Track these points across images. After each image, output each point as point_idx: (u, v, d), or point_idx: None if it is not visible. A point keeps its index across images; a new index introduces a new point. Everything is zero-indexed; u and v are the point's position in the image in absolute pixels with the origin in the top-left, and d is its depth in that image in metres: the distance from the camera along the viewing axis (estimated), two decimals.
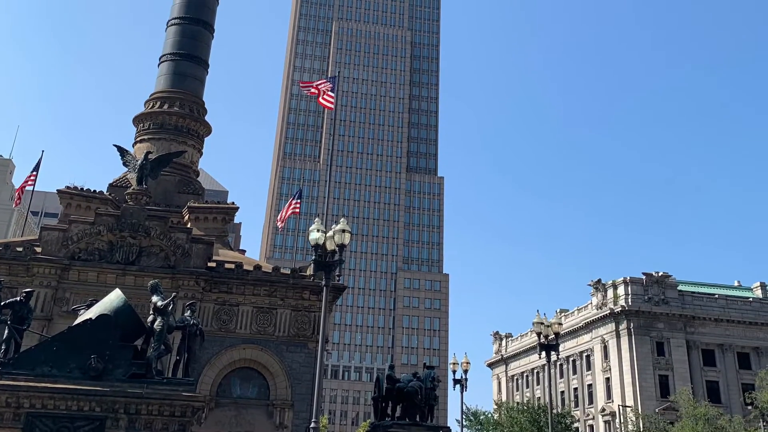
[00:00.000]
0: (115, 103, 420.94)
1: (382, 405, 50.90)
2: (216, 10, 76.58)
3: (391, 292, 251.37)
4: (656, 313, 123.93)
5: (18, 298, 32.41)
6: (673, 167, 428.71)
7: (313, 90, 62.11)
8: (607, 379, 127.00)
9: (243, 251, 72.97)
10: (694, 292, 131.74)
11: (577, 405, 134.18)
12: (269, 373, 52.97)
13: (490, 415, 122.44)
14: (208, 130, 73.10)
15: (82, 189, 64.13)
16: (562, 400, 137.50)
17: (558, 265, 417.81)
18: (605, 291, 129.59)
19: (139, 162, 60.44)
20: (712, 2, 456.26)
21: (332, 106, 61.89)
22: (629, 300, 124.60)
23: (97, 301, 33.37)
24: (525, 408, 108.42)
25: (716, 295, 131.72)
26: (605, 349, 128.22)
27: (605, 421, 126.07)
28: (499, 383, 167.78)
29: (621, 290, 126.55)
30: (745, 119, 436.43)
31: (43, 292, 50.58)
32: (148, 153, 61.59)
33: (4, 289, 37.40)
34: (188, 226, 61.17)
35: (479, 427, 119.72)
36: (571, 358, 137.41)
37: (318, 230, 38.16)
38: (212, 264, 54.75)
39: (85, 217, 56.78)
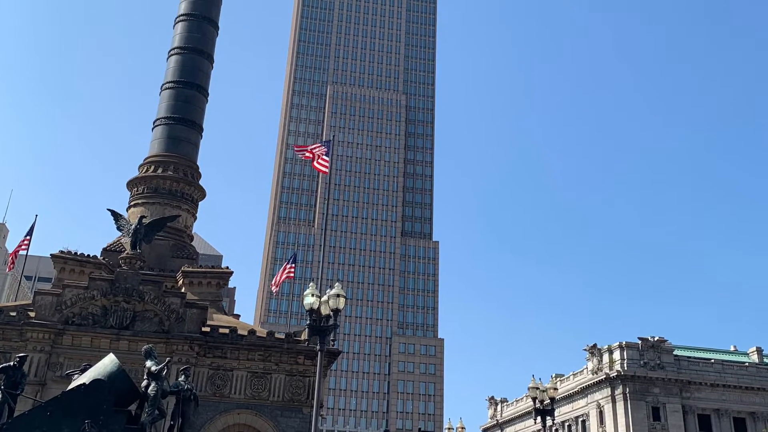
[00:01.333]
0: (109, 167, 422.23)
1: None
2: (210, 74, 76.89)
3: (386, 357, 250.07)
4: (652, 378, 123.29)
5: (11, 363, 32.30)
6: (669, 231, 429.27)
7: (307, 154, 62.29)
8: None
9: (237, 316, 72.77)
10: (690, 357, 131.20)
11: None
12: None
13: None
14: (202, 194, 73.17)
15: (75, 253, 64.09)
16: None
17: (553, 330, 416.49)
18: (601, 356, 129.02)
19: (133, 226, 60.48)
20: (713, 64, 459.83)
21: (327, 170, 62.05)
22: (625, 365, 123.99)
23: (90, 365, 33.22)
24: None
25: (712, 360, 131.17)
26: (601, 414, 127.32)
27: None
28: None
29: (617, 355, 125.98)
30: (741, 183, 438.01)
31: (37, 356, 50.39)
32: (142, 217, 61.65)
33: None
34: (182, 290, 61.10)
35: None
36: (566, 423, 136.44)
37: (313, 295, 38.16)
38: (206, 329, 54.60)
39: (79, 281, 56.72)
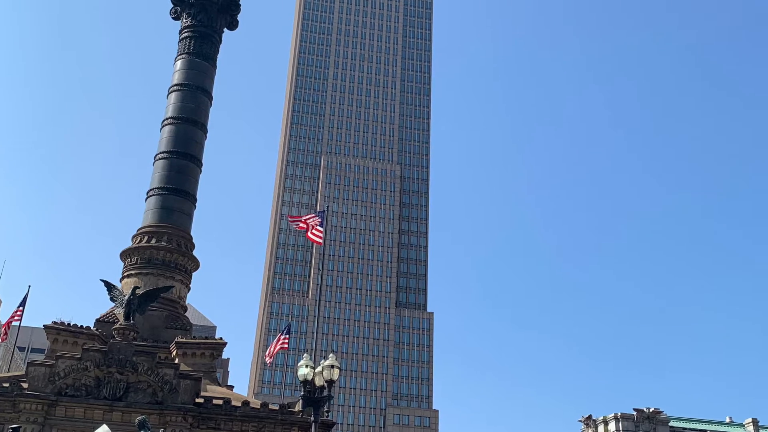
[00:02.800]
0: (103, 237, 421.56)
1: None
2: (204, 144, 77.07)
3: (381, 428, 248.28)
4: None
5: None
6: (664, 299, 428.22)
7: (301, 224, 62.50)
8: None
9: (231, 387, 72.44)
10: (685, 429, 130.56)
11: None
12: None
13: None
14: (196, 264, 73.13)
15: (69, 324, 63.94)
16: None
17: (548, 400, 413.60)
18: (596, 427, 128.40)
19: (126, 297, 60.42)
20: (709, 128, 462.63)
21: (321, 240, 62.23)
22: None
23: None
24: None
25: (708, 431, 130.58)
26: None
27: None
28: None
29: (612, 426, 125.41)
30: (737, 249, 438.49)
31: (30, 428, 50.07)
32: (135, 288, 61.60)
33: None
34: (176, 361, 60.86)
35: None
36: None
37: (307, 366, 38.15)
38: (200, 400, 54.34)
39: (72, 352, 56.54)
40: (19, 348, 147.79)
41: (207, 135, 77.92)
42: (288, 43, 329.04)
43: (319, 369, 37.86)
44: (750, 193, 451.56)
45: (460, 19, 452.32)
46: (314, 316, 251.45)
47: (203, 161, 76.57)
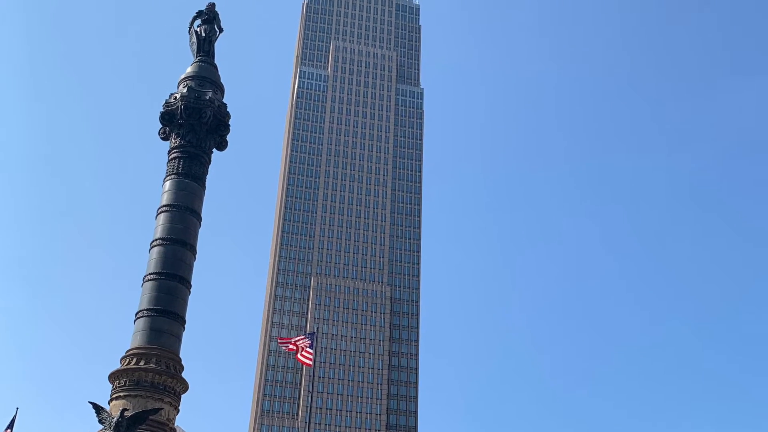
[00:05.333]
0: (91, 359, 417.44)
1: None
2: (193, 266, 76.55)
3: None
4: None
5: None
6: (658, 427, 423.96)
7: (291, 346, 61.99)
8: None
9: None
10: None
11: None
12: None
13: None
14: (185, 386, 72.11)
15: None
16: None
17: None
18: None
19: (115, 419, 59.34)
20: (701, 256, 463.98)
21: (311, 362, 61.59)
22: None
23: None
24: None
25: None
26: None
27: None
28: None
29: None
30: (728, 378, 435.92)
31: None
32: (123, 410, 60.55)
33: None
34: None
35: None
36: None
37: None
38: None
39: None
40: None
41: (196, 256, 77.58)
42: (277, 164, 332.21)
43: None
44: (742, 321, 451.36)
45: (451, 140, 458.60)
46: None
47: (192, 282, 76.12)
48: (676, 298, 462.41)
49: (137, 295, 73.90)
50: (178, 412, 71.70)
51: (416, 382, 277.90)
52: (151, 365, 70.13)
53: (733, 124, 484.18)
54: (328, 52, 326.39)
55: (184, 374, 72.52)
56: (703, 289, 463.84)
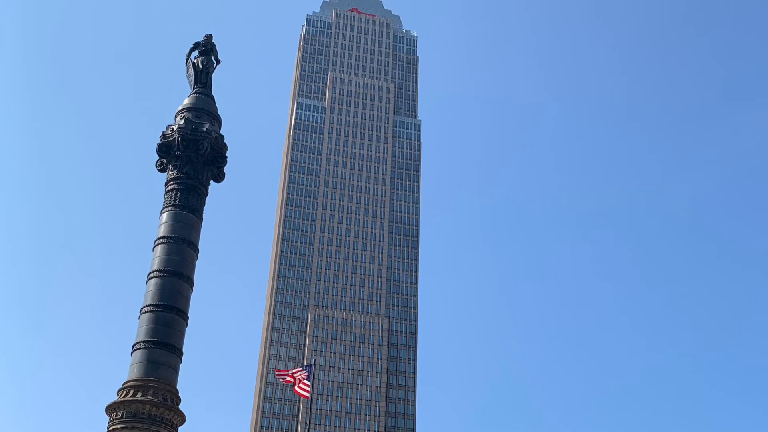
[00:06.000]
0: (88, 391, 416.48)
1: None
2: (190, 298, 76.34)
3: None
4: None
5: None
6: None
7: (288, 378, 61.78)
8: None
9: None
10: None
11: None
12: None
13: None
14: (182, 418, 71.77)
15: None
16: None
17: None
18: None
19: None
20: (698, 286, 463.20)
21: (308, 394, 61.33)
22: None
23: None
24: None
25: None
26: None
27: None
28: None
29: None
30: (727, 409, 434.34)
31: None
32: None
33: None
34: None
35: None
36: None
37: None
38: None
39: None
40: None
41: (193, 288, 77.36)
42: (275, 195, 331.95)
43: None
44: (740, 351, 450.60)
45: (448, 171, 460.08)
46: None
47: (189, 314, 75.81)
48: (674, 328, 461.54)
49: (134, 326, 73.67)
50: None
51: (414, 414, 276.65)
52: (149, 397, 69.71)
53: (730, 152, 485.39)
54: (326, 84, 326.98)
55: (181, 406, 72.10)
56: (701, 319, 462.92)
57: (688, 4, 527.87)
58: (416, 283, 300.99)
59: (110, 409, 70.38)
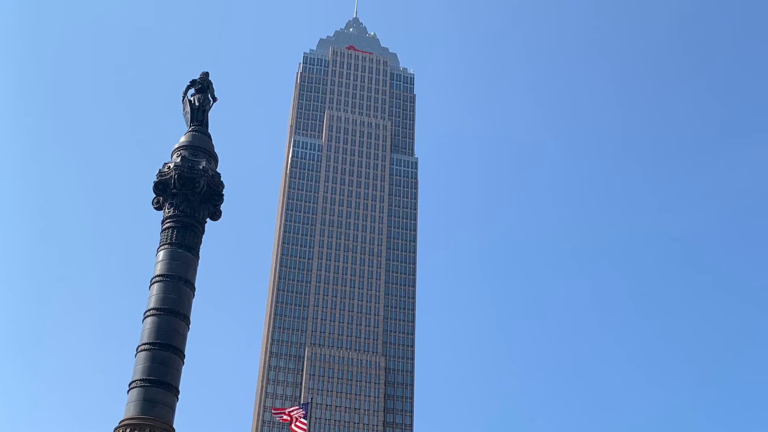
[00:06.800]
0: (84, 429, 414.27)
1: None
2: (186, 335, 76.21)
3: None
4: None
5: None
6: None
7: (285, 417, 61.49)
8: None
9: None
10: None
11: None
12: None
13: None
14: None
15: None
16: None
17: None
18: None
19: None
20: (695, 319, 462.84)
21: None
22: None
23: None
24: None
25: None
26: None
27: None
28: None
29: None
30: None
31: None
32: None
33: None
34: None
35: None
36: None
37: None
38: None
39: None
40: None
41: (190, 326, 77.18)
42: (272, 233, 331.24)
43: None
44: (738, 385, 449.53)
45: (445, 209, 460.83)
46: None
47: (186, 352, 75.62)
48: (672, 362, 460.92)
49: (131, 364, 73.43)
50: None
51: None
52: None
53: (726, 187, 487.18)
54: (323, 121, 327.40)
55: None
56: (698, 352, 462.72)
57: (686, 41, 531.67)
58: (413, 321, 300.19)
59: None
